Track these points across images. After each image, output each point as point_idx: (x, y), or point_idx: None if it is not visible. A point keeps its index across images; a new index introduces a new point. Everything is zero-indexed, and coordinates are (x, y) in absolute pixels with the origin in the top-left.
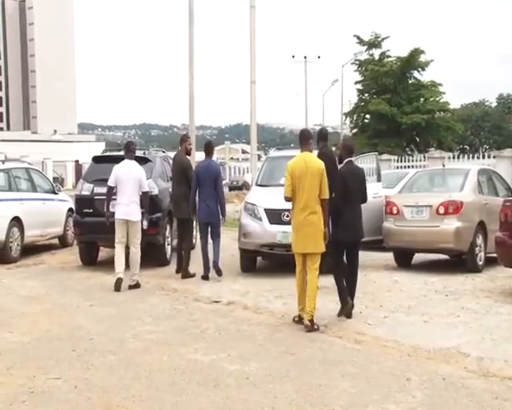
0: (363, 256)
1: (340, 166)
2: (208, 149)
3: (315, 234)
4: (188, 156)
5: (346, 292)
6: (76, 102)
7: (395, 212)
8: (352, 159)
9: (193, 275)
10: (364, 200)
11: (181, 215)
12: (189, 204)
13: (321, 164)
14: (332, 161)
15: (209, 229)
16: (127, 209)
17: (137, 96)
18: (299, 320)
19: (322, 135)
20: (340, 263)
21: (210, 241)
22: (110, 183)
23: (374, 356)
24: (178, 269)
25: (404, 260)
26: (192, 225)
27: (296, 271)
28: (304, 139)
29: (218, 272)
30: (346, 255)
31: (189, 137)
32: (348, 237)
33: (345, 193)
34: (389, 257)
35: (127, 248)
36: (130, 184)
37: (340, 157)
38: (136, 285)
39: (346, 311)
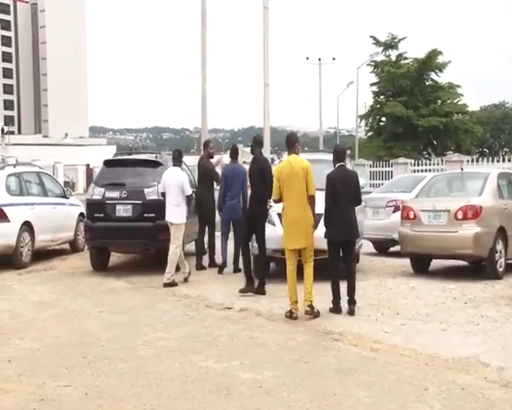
0: (379, 262)
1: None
2: (234, 152)
3: (304, 229)
4: (210, 159)
5: (339, 296)
6: (87, 106)
7: (412, 217)
8: (344, 163)
9: (220, 265)
10: (358, 202)
11: (204, 213)
12: (216, 204)
13: (305, 163)
14: (264, 165)
15: (231, 227)
16: (170, 212)
17: (149, 99)
18: (290, 315)
19: (258, 141)
20: (335, 265)
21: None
22: (160, 189)
23: (390, 365)
24: (199, 265)
25: (421, 266)
26: (214, 224)
27: (287, 270)
28: (290, 143)
29: (236, 270)
30: (342, 256)
31: (210, 142)
32: (338, 236)
33: (334, 196)
34: (406, 263)
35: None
36: (173, 189)
37: (333, 162)
38: (172, 284)
39: (335, 310)
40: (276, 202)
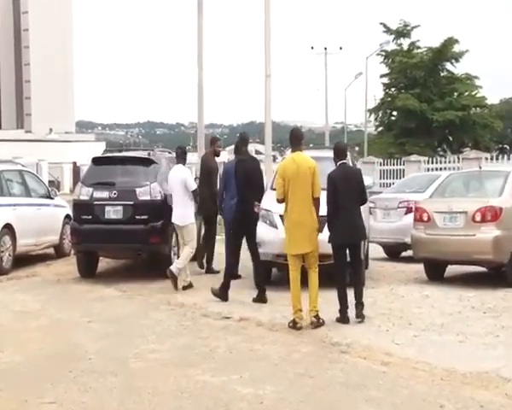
0: (390, 268)
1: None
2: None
3: (310, 233)
4: (216, 157)
5: (347, 305)
6: (74, 99)
7: (425, 219)
8: (345, 161)
9: (217, 272)
10: (363, 200)
11: (206, 213)
12: (217, 204)
13: (312, 162)
14: (253, 164)
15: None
16: (176, 213)
17: (141, 93)
18: (293, 325)
19: (245, 139)
20: (342, 270)
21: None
22: (169, 191)
23: (402, 380)
24: (208, 269)
25: (435, 272)
26: (216, 225)
27: (291, 276)
28: (295, 139)
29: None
30: (349, 261)
31: (219, 139)
32: (343, 239)
33: (336, 196)
34: (419, 269)
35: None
36: (178, 188)
37: (334, 160)
38: (189, 286)
39: (342, 320)
40: (279, 202)
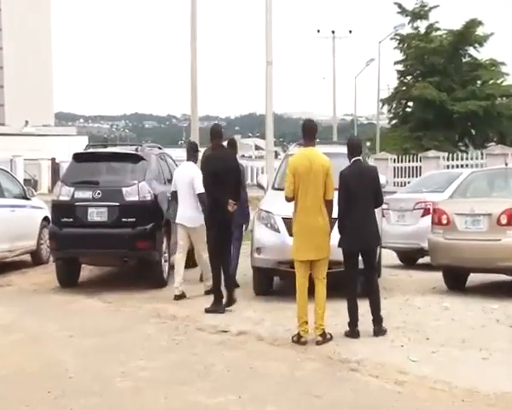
0: (405, 276)
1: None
2: (231, 145)
3: (320, 238)
4: None
5: (357, 317)
6: (53, 88)
7: (445, 222)
8: (360, 158)
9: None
10: (379, 202)
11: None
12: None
13: (326, 160)
14: (230, 163)
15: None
16: (184, 213)
17: (128, 82)
18: (297, 340)
19: (216, 132)
20: (353, 279)
21: None
22: (173, 187)
23: (419, 401)
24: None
25: (456, 281)
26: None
27: (297, 283)
28: (308, 132)
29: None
30: (363, 268)
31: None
32: (354, 245)
33: (348, 196)
34: (437, 278)
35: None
36: (185, 188)
37: (348, 157)
38: (211, 291)
39: (352, 334)
40: (288, 200)
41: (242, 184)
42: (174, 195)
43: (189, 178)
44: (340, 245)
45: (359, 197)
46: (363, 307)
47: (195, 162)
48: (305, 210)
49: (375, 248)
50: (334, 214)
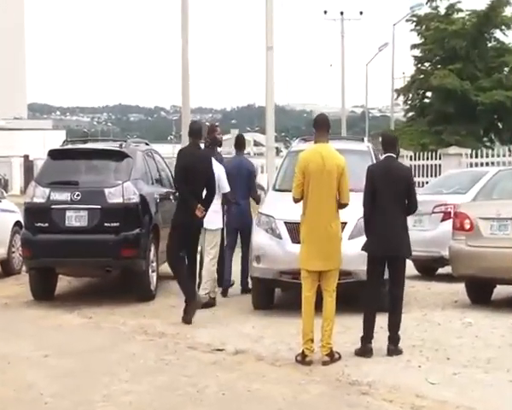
0: (423, 288)
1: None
2: (239, 143)
3: (332, 246)
4: (219, 149)
5: (372, 334)
6: (26, 77)
7: (468, 227)
8: (393, 155)
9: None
10: (411, 209)
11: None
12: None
13: (341, 159)
14: (204, 162)
15: (239, 237)
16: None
17: (111, 70)
18: (302, 359)
19: (194, 130)
20: (374, 288)
21: None
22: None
23: None
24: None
25: (480, 294)
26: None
27: (303, 297)
28: (320, 126)
29: (245, 290)
30: (388, 279)
31: (217, 126)
32: (378, 249)
33: (374, 195)
34: (459, 290)
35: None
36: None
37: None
38: (209, 304)
39: (364, 352)
40: (295, 201)
41: (253, 187)
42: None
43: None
44: (364, 248)
45: (387, 198)
46: (377, 321)
47: (216, 158)
48: (315, 214)
49: (405, 259)
50: (343, 218)
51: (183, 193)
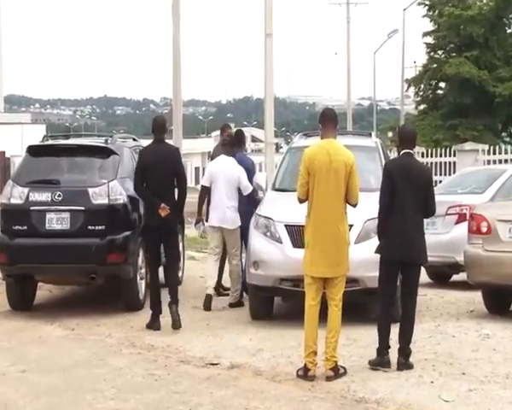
0: (436, 296)
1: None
2: (239, 139)
3: (339, 251)
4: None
5: (388, 344)
6: (2, 67)
7: (485, 230)
8: (412, 151)
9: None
10: (429, 211)
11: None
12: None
13: (350, 157)
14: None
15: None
16: (218, 215)
17: (96, 59)
18: (304, 374)
19: (159, 125)
20: (390, 296)
21: None
22: (204, 182)
23: None
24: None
25: (498, 303)
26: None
27: (306, 307)
28: (327, 121)
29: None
30: (401, 286)
31: (230, 127)
32: (395, 252)
33: (391, 195)
34: (475, 299)
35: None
36: (225, 185)
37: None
38: (239, 303)
39: (381, 363)
40: (301, 201)
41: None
42: (204, 191)
43: (232, 175)
44: (378, 251)
45: (405, 198)
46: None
47: (230, 155)
48: (321, 215)
49: (420, 266)
50: (349, 220)
51: (142, 194)
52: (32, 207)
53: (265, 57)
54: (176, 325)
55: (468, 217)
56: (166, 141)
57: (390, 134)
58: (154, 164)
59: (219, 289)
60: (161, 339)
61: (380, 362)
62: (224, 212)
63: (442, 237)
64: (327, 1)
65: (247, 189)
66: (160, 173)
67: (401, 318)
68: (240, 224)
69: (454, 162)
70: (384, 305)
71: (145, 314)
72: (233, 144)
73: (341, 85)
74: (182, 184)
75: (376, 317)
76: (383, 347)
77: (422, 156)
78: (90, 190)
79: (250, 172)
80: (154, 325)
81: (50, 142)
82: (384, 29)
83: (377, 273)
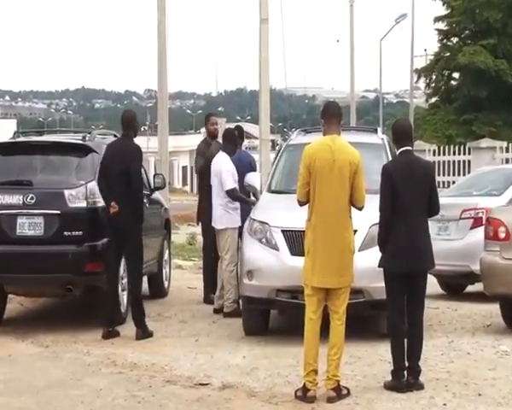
0: (449, 309)
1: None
2: (239, 135)
3: (344, 259)
4: (213, 142)
5: (405, 363)
6: None
7: (503, 236)
8: (410, 148)
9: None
10: (434, 210)
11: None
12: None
13: (355, 155)
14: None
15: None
16: (213, 214)
17: (72, 48)
18: (303, 395)
19: (128, 120)
20: (398, 309)
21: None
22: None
23: None
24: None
25: None
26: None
27: (307, 320)
28: (330, 116)
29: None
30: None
31: (212, 115)
32: (399, 265)
33: (393, 199)
34: (493, 311)
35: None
36: (214, 182)
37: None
38: (235, 313)
39: (397, 387)
40: (301, 204)
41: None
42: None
43: (216, 171)
44: (381, 265)
45: (409, 201)
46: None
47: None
48: (324, 219)
49: (427, 273)
50: (353, 225)
51: (100, 190)
52: (1, 211)
53: (260, 45)
54: (141, 335)
55: (484, 221)
56: (133, 139)
57: (392, 129)
58: (111, 160)
59: (209, 297)
60: (145, 357)
61: (396, 386)
62: (214, 211)
63: (455, 243)
64: None
65: (225, 185)
66: (115, 171)
67: (408, 333)
68: (230, 225)
69: (469, 161)
70: (395, 319)
71: (128, 329)
72: (230, 140)
73: (344, 76)
74: (133, 184)
75: (389, 333)
76: (399, 368)
77: (434, 154)
78: (66, 192)
79: (252, 170)
80: (109, 333)
81: (22, 138)
82: (391, 14)
83: (384, 284)
